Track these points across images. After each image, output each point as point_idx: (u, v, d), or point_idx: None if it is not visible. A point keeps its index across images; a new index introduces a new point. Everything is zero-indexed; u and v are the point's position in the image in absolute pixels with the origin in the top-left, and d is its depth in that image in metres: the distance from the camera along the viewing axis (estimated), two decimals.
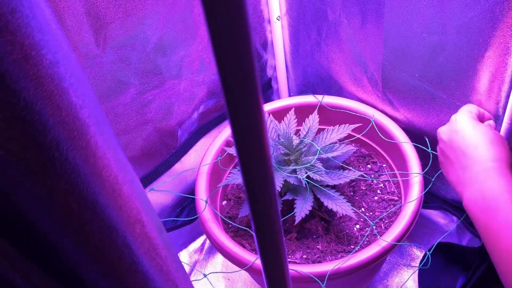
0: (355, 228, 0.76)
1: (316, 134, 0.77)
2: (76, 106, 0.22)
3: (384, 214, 0.76)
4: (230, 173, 0.82)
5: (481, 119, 0.63)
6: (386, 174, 0.82)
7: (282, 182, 0.71)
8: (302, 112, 0.82)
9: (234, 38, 0.16)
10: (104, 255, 0.24)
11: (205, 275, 0.78)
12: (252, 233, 0.76)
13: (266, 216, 0.21)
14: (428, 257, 0.72)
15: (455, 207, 0.80)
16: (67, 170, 0.21)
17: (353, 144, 0.87)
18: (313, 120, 0.79)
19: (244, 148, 0.17)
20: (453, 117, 0.61)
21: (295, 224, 0.72)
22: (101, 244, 0.24)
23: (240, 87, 0.16)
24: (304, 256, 0.73)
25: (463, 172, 0.56)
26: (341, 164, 0.77)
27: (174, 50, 0.70)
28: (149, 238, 0.28)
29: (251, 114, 0.17)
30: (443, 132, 0.62)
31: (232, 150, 0.82)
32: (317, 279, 0.64)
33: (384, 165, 0.84)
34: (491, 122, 0.63)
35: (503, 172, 0.53)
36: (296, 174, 0.70)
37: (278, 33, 0.84)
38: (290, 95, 0.98)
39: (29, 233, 0.22)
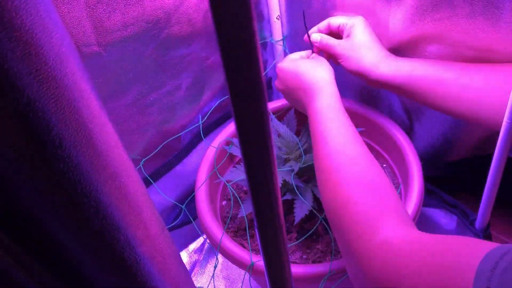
0: None
1: None
2: (79, 104, 0.22)
3: None
4: (230, 171, 0.82)
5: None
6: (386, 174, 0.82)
7: (282, 182, 0.71)
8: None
9: (241, 37, 0.16)
10: (106, 252, 0.24)
11: None
12: (251, 233, 0.76)
13: (269, 213, 0.21)
14: None
15: (456, 206, 0.81)
16: (70, 168, 0.21)
17: None
18: None
19: (248, 143, 0.18)
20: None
21: (295, 224, 0.72)
22: (103, 242, 0.24)
23: (246, 86, 0.16)
24: (304, 256, 0.73)
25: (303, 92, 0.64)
26: None
27: (176, 50, 0.70)
28: (151, 236, 0.28)
29: (256, 112, 0.17)
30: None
31: (232, 150, 0.82)
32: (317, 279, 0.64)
33: (384, 165, 0.84)
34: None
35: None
36: (296, 174, 0.70)
37: (278, 32, 0.84)
38: None
39: (32, 229, 0.22)
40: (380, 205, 0.47)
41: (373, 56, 0.64)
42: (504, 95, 0.52)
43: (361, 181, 0.50)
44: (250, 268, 0.65)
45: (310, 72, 0.64)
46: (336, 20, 0.70)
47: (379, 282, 0.42)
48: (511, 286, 0.29)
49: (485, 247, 0.34)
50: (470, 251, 0.35)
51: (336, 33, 0.72)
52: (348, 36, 0.68)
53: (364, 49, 0.65)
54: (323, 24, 0.72)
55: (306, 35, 0.74)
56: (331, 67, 0.65)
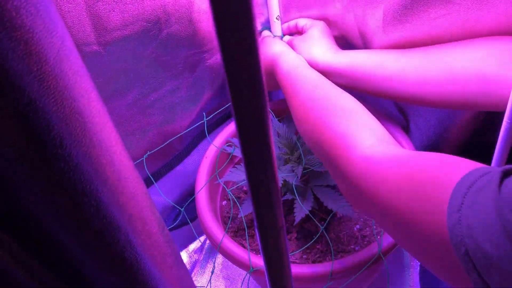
0: (355, 228, 0.76)
1: None
2: (79, 103, 0.22)
3: None
4: (230, 172, 0.82)
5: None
6: None
7: (282, 182, 0.71)
8: None
9: (241, 35, 0.16)
10: (107, 252, 0.24)
11: None
12: (251, 233, 0.76)
13: (269, 213, 0.21)
14: None
15: None
16: (70, 167, 0.21)
17: None
18: None
19: (248, 142, 0.17)
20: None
21: (295, 224, 0.72)
22: (103, 241, 0.24)
23: (246, 85, 0.16)
24: (304, 256, 0.74)
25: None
26: None
27: (176, 50, 0.70)
28: (151, 236, 0.28)
29: (256, 110, 0.17)
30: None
31: (231, 149, 0.82)
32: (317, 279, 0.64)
33: None
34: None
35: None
36: (296, 174, 0.70)
37: (278, 32, 0.84)
38: None
39: (33, 229, 0.22)
40: (355, 125, 0.49)
41: (321, 48, 0.71)
42: (441, 69, 0.56)
43: (337, 107, 0.53)
44: (250, 268, 0.66)
45: (275, 43, 0.73)
46: (301, 21, 0.78)
47: (362, 194, 0.43)
48: (483, 203, 0.30)
49: (466, 166, 0.35)
50: (451, 169, 0.36)
51: (301, 32, 0.79)
52: (305, 32, 0.76)
53: (314, 41, 0.72)
54: (292, 22, 0.80)
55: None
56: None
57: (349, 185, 0.46)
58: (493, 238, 0.29)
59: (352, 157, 0.45)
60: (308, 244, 0.73)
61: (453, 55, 0.56)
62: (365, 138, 0.47)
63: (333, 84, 0.59)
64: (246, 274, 0.67)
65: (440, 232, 0.33)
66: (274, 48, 0.72)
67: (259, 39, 0.79)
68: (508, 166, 0.32)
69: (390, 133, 0.77)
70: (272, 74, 0.70)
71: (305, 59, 0.72)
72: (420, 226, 0.35)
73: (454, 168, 0.36)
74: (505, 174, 0.31)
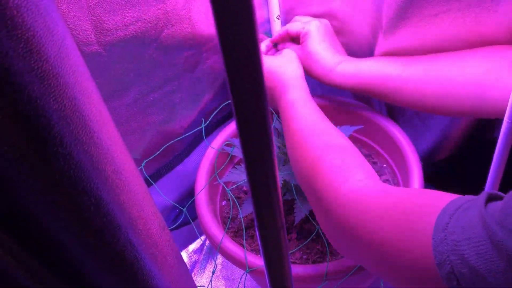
0: None
1: None
2: (80, 102, 0.22)
3: None
4: (230, 172, 0.82)
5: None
6: (386, 174, 0.82)
7: (282, 182, 0.71)
8: None
9: (242, 37, 0.16)
10: (107, 251, 0.24)
11: None
12: (250, 234, 0.76)
13: (269, 213, 0.21)
14: None
15: None
16: (70, 166, 0.21)
17: None
18: None
19: (249, 143, 0.17)
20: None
21: (295, 224, 0.72)
22: (103, 240, 0.24)
23: (247, 85, 0.16)
24: (304, 256, 0.73)
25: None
26: None
27: (177, 50, 0.70)
28: (151, 235, 0.28)
29: (257, 111, 0.17)
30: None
31: (233, 151, 0.82)
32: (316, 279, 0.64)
33: (384, 165, 0.84)
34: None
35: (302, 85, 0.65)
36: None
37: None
38: None
39: (33, 228, 0.21)
40: (348, 162, 0.50)
41: (323, 66, 0.69)
42: (441, 83, 0.58)
43: (330, 144, 0.54)
44: (246, 268, 0.66)
45: (282, 68, 0.68)
46: (293, 28, 0.74)
47: (346, 226, 0.44)
48: (469, 220, 0.31)
49: (452, 196, 0.36)
50: (437, 198, 0.36)
51: (297, 38, 0.75)
52: (302, 43, 0.72)
53: (314, 60, 0.70)
54: (282, 31, 0.76)
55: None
56: (299, 63, 0.70)
57: (333, 220, 0.46)
58: (480, 252, 0.29)
59: (342, 189, 0.46)
60: (305, 243, 0.73)
61: (454, 69, 0.58)
62: (356, 173, 0.48)
63: (331, 123, 0.60)
64: (243, 274, 0.67)
65: (424, 256, 0.33)
66: (289, 69, 0.68)
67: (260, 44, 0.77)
68: (492, 191, 0.33)
69: (392, 134, 0.77)
70: (273, 92, 0.68)
71: (309, 76, 0.71)
72: (403, 252, 0.36)
73: (440, 198, 0.36)
74: (490, 198, 0.32)
